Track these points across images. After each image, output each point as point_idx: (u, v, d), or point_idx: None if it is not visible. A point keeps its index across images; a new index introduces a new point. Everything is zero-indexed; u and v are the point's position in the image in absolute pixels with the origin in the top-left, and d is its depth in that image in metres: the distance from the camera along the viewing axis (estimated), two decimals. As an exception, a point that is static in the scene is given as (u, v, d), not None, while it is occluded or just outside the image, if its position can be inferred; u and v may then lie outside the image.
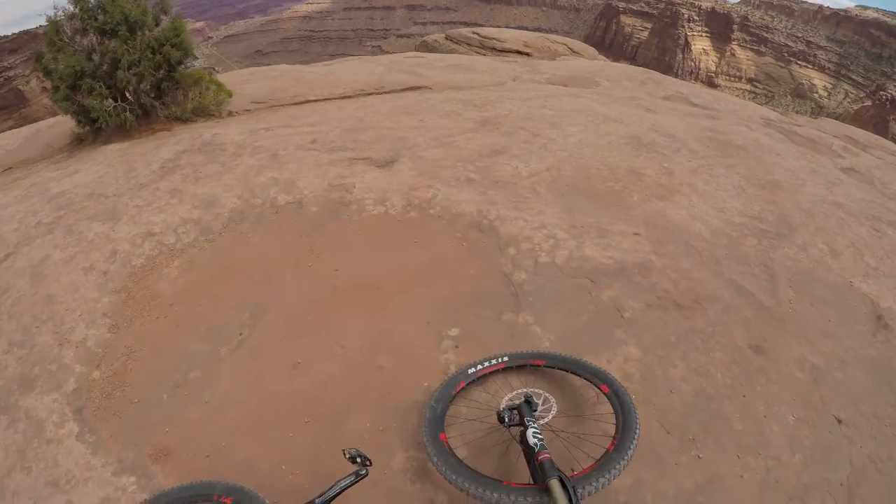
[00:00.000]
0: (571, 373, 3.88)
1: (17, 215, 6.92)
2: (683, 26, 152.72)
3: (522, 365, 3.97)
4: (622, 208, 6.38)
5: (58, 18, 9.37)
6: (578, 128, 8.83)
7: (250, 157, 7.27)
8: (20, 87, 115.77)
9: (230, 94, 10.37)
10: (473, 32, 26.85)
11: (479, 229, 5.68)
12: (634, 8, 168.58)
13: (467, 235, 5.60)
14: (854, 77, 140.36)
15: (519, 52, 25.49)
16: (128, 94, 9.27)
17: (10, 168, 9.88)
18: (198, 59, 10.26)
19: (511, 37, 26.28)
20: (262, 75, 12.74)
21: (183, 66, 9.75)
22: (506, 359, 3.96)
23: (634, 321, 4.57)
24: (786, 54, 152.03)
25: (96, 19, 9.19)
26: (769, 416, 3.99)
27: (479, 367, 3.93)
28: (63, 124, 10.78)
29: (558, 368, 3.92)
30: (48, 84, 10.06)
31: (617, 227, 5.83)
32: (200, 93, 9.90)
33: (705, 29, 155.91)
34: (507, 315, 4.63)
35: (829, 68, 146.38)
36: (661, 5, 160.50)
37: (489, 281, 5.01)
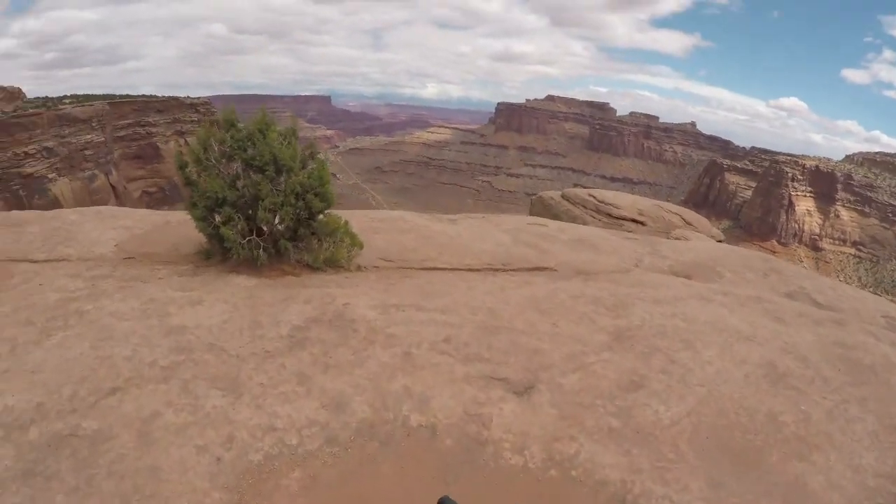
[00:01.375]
0: None
1: (132, 339, 6.74)
2: (787, 185, 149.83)
3: None
4: (762, 473, 5.84)
5: (207, 137, 9.57)
6: (714, 350, 8.26)
7: (382, 350, 6.91)
8: (159, 144, 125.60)
9: (361, 246, 10.29)
10: (590, 195, 26.77)
11: (622, 504, 4.96)
12: (738, 166, 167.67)
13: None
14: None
15: (634, 221, 25.04)
16: (264, 229, 9.28)
17: (132, 258, 9.93)
18: (334, 207, 10.22)
19: (626, 203, 25.98)
20: (392, 226, 12.76)
21: (322, 216, 9.71)
22: None
23: None
24: (890, 214, 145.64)
25: (245, 151, 9.37)
26: None
27: None
28: (192, 224, 10.48)
29: None
30: (184, 149, 10.11)
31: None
32: (334, 243, 9.84)
33: (809, 189, 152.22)
34: None
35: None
36: (766, 164, 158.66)
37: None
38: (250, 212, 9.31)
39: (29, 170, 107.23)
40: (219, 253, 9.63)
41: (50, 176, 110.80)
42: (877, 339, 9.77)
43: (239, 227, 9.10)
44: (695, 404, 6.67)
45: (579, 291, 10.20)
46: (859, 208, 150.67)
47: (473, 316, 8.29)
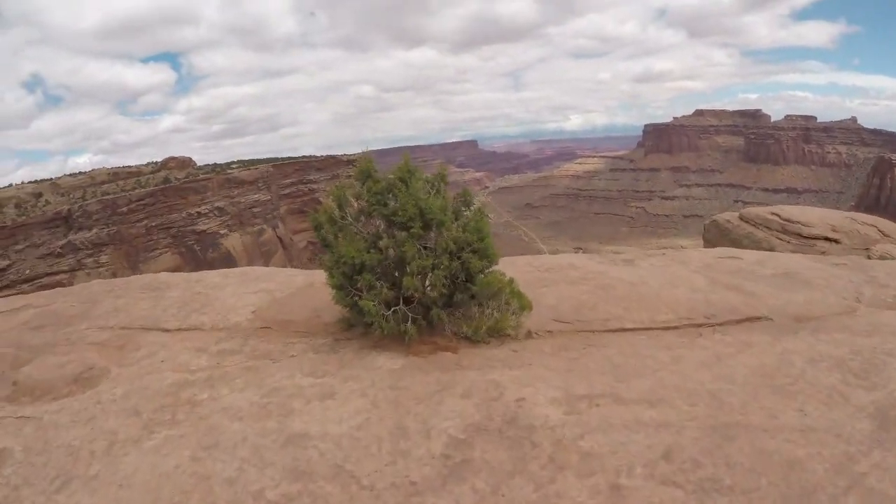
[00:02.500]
0: None
1: (242, 449, 5.28)
2: None
3: None
4: None
5: (342, 192, 8.14)
6: None
7: (578, 481, 4.77)
8: (321, 199, 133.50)
9: (530, 308, 8.36)
10: (773, 214, 23.15)
11: None
12: None
13: None
14: None
15: (827, 239, 21.46)
16: (414, 296, 7.59)
17: (268, 328, 8.72)
18: (497, 264, 8.38)
19: (816, 220, 22.14)
20: (561, 275, 10.65)
21: (482, 276, 7.84)
22: None
23: None
24: None
25: (386, 205, 7.75)
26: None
27: None
28: (334, 289, 9.49)
29: None
30: (321, 207, 8.81)
31: None
32: (498, 308, 7.95)
33: None
34: None
35: None
36: None
37: None
38: (396, 276, 7.68)
39: (202, 227, 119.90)
40: (361, 323, 8.04)
41: (222, 232, 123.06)
42: None
43: (382, 295, 7.46)
44: None
45: (814, 352, 7.56)
46: None
47: (692, 408, 5.97)
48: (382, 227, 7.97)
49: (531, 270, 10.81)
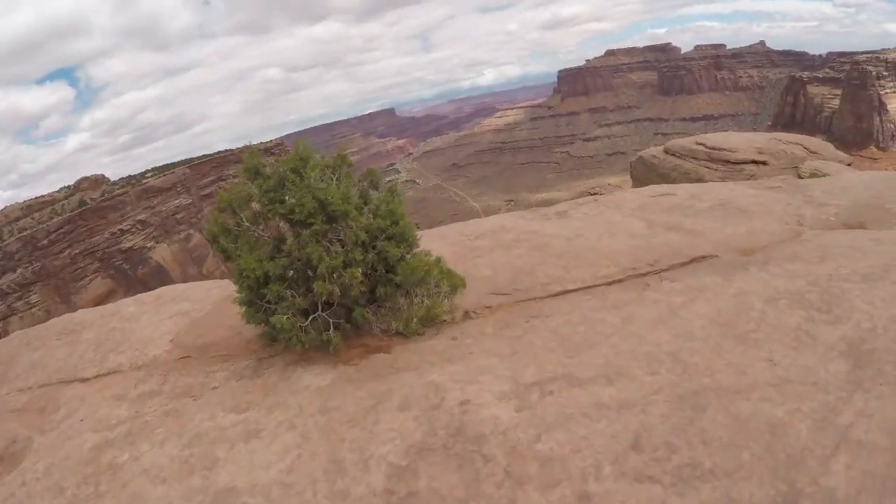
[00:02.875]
0: None
1: None
2: (874, 85, 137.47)
3: None
4: None
5: (231, 197, 7.00)
6: None
7: (540, 495, 4.06)
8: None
9: (464, 285, 7.53)
10: (698, 143, 23.07)
11: None
12: (819, 76, 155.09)
13: None
14: None
15: (754, 162, 21.52)
16: (333, 299, 6.60)
17: (188, 357, 7.76)
18: (419, 248, 7.44)
19: (742, 144, 22.16)
20: (494, 240, 9.83)
21: (404, 263, 6.92)
22: None
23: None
24: None
25: (283, 202, 6.66)
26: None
27: None
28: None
29: None
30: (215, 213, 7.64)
31: None
32: (428, 293, 7.06)
33: None
34: None
35: None
36: (846, 67, 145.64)
37: None
38: (309, 280, 6.67)
39: (128, 244, 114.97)
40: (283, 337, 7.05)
41: (148, 245, 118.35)
42: None
43: (296, 305, 6.46)
44: None
45: (770, 289, 7.07)
46: None
47: (654, 377, 5.31)
48: (285, 229, 6.95)
49: (462, 239, 9.96)
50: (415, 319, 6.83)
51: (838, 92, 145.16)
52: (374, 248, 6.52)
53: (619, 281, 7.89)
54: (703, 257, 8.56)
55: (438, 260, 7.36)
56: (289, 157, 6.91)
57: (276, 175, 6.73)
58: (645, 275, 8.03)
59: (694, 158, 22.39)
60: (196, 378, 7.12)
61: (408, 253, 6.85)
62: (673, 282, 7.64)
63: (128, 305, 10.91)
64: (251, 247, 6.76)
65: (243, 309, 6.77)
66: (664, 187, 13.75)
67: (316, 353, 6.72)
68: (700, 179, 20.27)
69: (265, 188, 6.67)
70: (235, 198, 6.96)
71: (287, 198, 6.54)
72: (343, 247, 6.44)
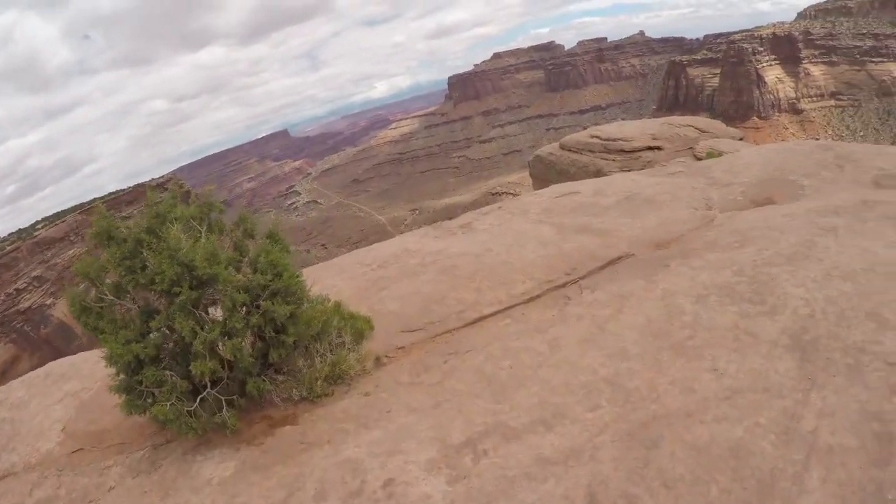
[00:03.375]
0: None
1: None
2: (750, 61, 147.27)
3: None
4: None
5: (85, 268, 5.81)
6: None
7: None
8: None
9: (370, 326, 6.70)
10: (592, 136, 23.15)
11: None
12: (697, 58, 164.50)
13: None
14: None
15: (650, 149, 21.80)
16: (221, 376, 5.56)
17: (80, 450, 6.55)
18: (311, 301, 6.43)
19: (636, 132, 22.38)
20: (399, 267, 8.99)
21: (296, 319, 5.85)
22: None
23: None
24: (858, 56, 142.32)
25: (144, 270, 5.51)
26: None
27: None
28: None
29: None
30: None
31: None
32: (330, 347, 6.15)
33: (773, 57, 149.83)
34: None
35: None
36: (723, 47, 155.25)
37: None
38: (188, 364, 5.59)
39: (25, 304, 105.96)
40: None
41: (48, 302, 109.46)
42: None
43: (180, 388, 5.41)
44: None
45: (697, 285, 6.70)
46: (826, 59, 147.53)
47: (597, 413, 4.71)
48: (152, 299, 5.83)
49: (363, 270, 9.09)
50: (319, 381, 5.90)
51: (717, 71, 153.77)
52: (257, 307, 5.54)
53: (538, 297, 7.31)
54: (620, 258, 8.15)
55: (338, 305, 6.50)
56: (144, 214, 5.85)
57: (131, 239, 5.61)
58: (563, 286, 7.50)
59: (590, 151, 22.44)
60: (91, 478, 5.99)
61: (298, 307, 5.85)
62: (594, 291, 7.12)
63: (16, 389, 9.52)
64: (117, 325, 5.63)
65: (122, 398, 5.63)
66: (567, 186, 13.40)
67: (216, 433, 5.70)
68: (599, 172, 20.27)
69: (120, 256, 5.55)
70: (90, 269, 5.80)
71: (148, 264, 5.45)
72: (225, 313, 5.43)
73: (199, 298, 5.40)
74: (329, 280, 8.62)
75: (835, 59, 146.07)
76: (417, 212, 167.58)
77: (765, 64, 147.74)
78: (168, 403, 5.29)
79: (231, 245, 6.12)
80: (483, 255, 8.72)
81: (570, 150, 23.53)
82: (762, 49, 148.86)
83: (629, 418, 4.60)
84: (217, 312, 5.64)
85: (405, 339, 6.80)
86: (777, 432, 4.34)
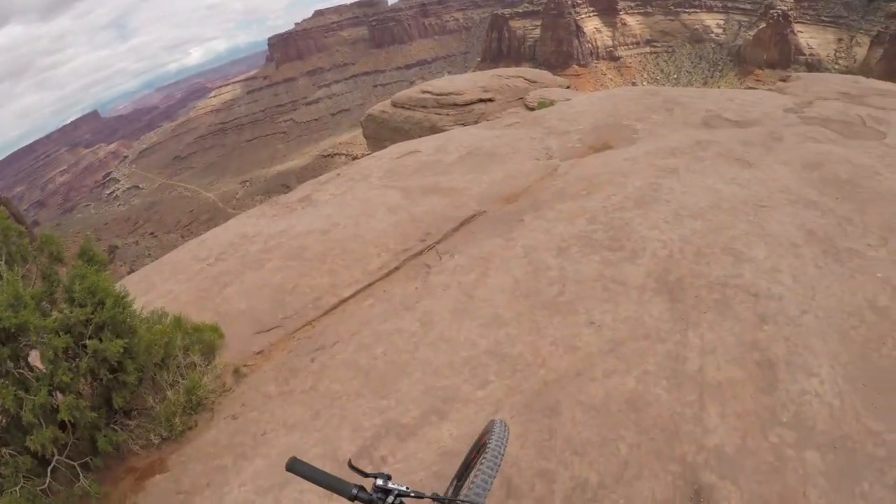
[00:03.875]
0: None
1: None
2: (570, 13, 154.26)
3: None
4: None
5: None
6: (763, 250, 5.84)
7: None
8: None
9: (220, 334, 5.93)
10: (424, 92, 22.84)
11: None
12: (520, 11, 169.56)
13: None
14: (741, 6, 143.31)
15: (482, 101, 21.91)
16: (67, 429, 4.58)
17: None
18: (146, 322, 5.46)
19: (467, 86, 22.41)
20: (238, 258, 8.03)
21: (132, 351, 4.84)
22: None
23: None
24: (672, 6, 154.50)
25: None
26: None
27: None
28: None
29: None
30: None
31: None
32: (181, 373, 5.31)
33: (591, 9, 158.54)
34: None
35: (715, 6, 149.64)
36: (544, 1, 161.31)
37: None
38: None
39: None
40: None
41: None
42: (817, 142, 9.09)
43: (24, 465, 4.31)
44: None
45: (556, 238, 6.65)
46: (641, 10, 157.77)
47: (486, 388, 4.52)
48: None
49: (200, 267, 8.06)
50: (177, 415, 5.04)
51: (538, 23, 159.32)
52: (84, 348, 4.55)
53: (397, 269, 6.90)
54: (473, 216, 7.89)
55: (178, 320, 5.64)
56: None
57: None
58: (420, 253, 7.13)
59: (423, 107, 22.15)
60: None
61: (132, 338, 4.90)
62: (454, 256, 6.81)
63: None
64: None
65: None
66: (407, 145, 12.89)
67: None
68: (434, 127, 20.08)
69: None
70: None
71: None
72: (47, 365, 4.39)
73: (14, 353, 4.35)
74: (163, 285, 7.59)
75: (650, 9, 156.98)
76: (248, 183, 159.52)
77: (584, 16, 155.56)
78: (17, 489, 4.24)
79: (38, 274, 5.02)
80: (330, 231, 8.07)
81: (402, 107, 23.08)
82: (581, 2, 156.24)
83: (521, 389, 4.40)
84: (37, 360, 4.60)
85: (262, 340, 6.09)
86: (667, 377, 4.37)
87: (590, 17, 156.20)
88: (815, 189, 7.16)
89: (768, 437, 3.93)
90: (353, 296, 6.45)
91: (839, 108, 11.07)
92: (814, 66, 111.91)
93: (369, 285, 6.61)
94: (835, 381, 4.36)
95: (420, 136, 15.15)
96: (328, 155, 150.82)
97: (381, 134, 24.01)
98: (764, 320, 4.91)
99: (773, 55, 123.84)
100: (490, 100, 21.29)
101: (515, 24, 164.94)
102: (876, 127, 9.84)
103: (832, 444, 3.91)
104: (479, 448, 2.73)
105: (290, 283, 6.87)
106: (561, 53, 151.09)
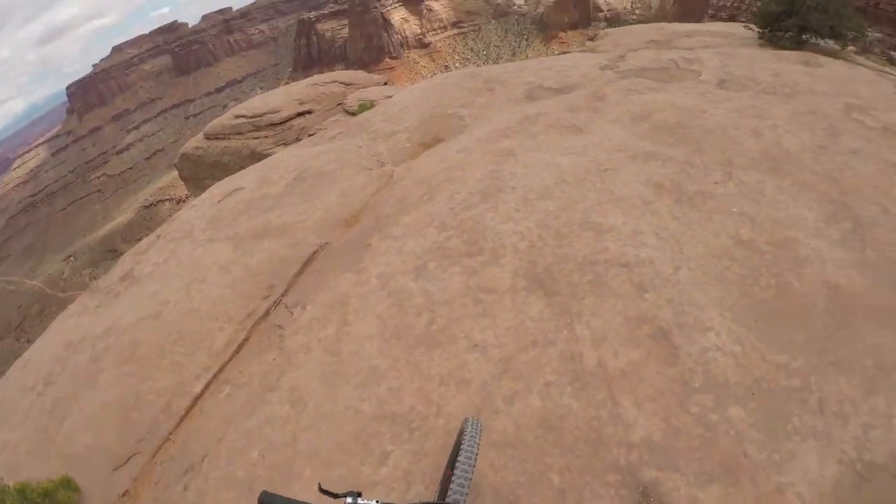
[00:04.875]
0: None
1: None
2: (375, 8, 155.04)
3: None
4: None
5: None
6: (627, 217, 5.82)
7: None
8: None
9: (76, 488, 5.13)
10: (238, 117, 21.40)
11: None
12: (325, 13, 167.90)
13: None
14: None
15: (300, 115, 20.91)
16: None
17: None
18: None
19: (282, 102, 21.23)
20: (70, 379, 6.63)
21: None
22: None
23: None
24: None
25: None
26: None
27: None
28: None
29: None
30: None
31: None
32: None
33: (396, 1, 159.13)
34: None
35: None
36: None
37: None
38: None
39: None
40: None
41: None
42: (639, 92, 9.14)
43: None
44: None
45: (409, 256, 6.15)
46: None
47: (388, 462, 4.10)
48: None
49: (31, 400, 6.45)
50: None
51: (346, 22, 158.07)
52: None
53: (247, 341, 6.14)
54: (315, 252, 7.27)
55: (22, 491, 4.72)
56: None
57: None
58: (268, 314, 6.41)
59: (239, 134, 20.78)
60: None
61: None
62: (305, 307, 6.15)
63: None
64: None
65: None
66: (227, 183, 11.68)
67: None
68: (254, 153, 18.97)
69: None
70: None
71: None
72: None
73: None
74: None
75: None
76: (73, 258, 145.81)
77: (389, 8, 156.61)
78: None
79: None
80: (162, 314, 6.98)
81: (216, 138, 21.55)
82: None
83: (426, 450, 3.99)
84: None
85: (123, 477, 5.14)
86: (570, 382, 4.15)
87: (395, 7, 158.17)
88: (649, 140, 7.16)
89: (689, 409, 3.82)
90: (206, 389, 5.62)
91: (652, 57, 11.43)
92: (613, 21, 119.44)
93: (221, 370, 5.80)
94: (729, 329, 4.32)
95: (242, 168, 14.00)
96: (151, 204, 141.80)
97: (199, 173, 22.40)
98: (642, 289, 4.71)
99: (573, 16, 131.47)
100: (308, 112, 20.34)
101: (323, 26, 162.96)
102: (689, 67, 10.23)
103: (749, 392, 3.88)
104: (457, 450, 2.89)
105: (132, 394, 5.87)
106: (372, 49, 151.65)
